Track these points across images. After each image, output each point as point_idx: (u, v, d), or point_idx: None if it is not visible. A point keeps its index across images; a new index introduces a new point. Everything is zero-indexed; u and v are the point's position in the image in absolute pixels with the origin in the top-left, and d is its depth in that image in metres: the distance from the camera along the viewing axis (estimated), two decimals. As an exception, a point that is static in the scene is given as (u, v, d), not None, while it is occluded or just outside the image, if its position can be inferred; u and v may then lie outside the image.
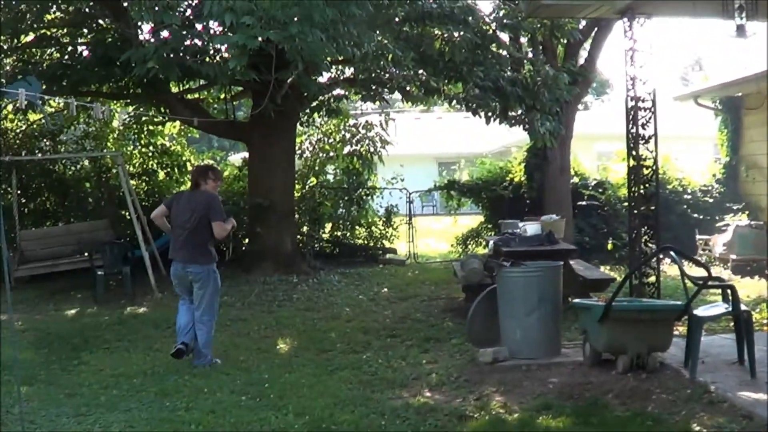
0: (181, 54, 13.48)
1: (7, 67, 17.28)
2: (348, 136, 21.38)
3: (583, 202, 19.80)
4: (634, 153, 11.25)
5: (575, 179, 20.50)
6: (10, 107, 18.81)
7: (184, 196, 10.98)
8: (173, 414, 8.48)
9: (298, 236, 19.23)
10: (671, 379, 8.63)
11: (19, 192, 19.90)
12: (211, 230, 10.54)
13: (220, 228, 10.55)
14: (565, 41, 18.54)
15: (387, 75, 15.61)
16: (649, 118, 11.22)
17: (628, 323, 8.89)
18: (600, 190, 20.28)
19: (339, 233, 21.22)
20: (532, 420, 7.74)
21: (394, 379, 9.57)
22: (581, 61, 19.58)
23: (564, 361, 9.70)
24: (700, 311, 9.11)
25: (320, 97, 18.75)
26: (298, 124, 19.74)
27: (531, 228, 13.30)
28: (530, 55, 18.14)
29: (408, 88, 16.12)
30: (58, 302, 16.16)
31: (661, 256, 12.25)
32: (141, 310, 14.95)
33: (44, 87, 14.47)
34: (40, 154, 21.09)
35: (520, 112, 16.27)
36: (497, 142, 40.23)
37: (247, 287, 15.86)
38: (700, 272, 9.35)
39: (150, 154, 22.19)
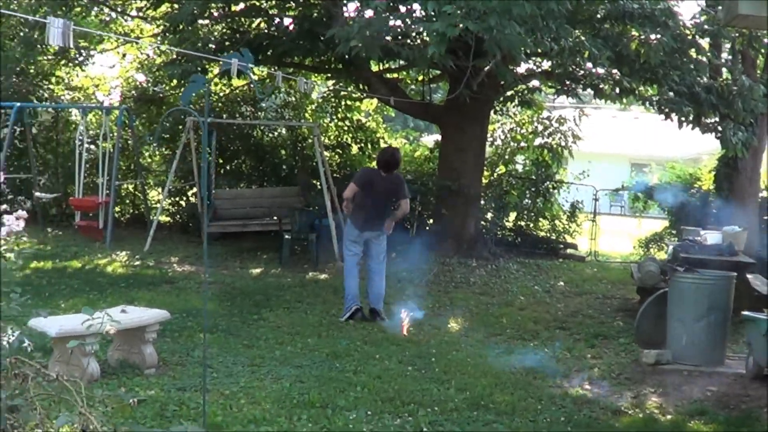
0: (384, 35, 13.87)
1: (217, 34, 17.97)
2: (540, 128, 21.35)
3: (772, 217, 19.37)
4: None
5: (765, 192, 20.08)
6: (216, 70, 19.56)
7: (379, 179, 11.84)
8: (341, 375, 8.91)
9: (482, 222, 19.31)
10: (829, 401, 8.58)
11: (217, 153, 20.78)
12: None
13: (406, 204, 11.89)
14: (764, 52, 18.16)
15: (582, 71, 15.65)
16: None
17: (793, 341, 8.84)
18: (790, 206, 19.77)
19: (522, 223, 21.15)
20: (683, 423, 7.87)
21: (556, 368, 9.78)
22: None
23: (726, 371, 9.71)
24: None
25: (516, 87, 18.88)
26: (491, 111, 19.84)
27: (712, 237, 13.24)
28: (728, 63, 17.86)
29: (601, 86, 16.12)
30: (245, 260, 16.92)
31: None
32: (322, 276, 15.53)
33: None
34: (240, 119, 21.92)
35: (713, 119, 16.12)
36: (691, 149, 39.46)
37: (427, 266, 16.02)
38: None
39: (345, 127, 22.70)
